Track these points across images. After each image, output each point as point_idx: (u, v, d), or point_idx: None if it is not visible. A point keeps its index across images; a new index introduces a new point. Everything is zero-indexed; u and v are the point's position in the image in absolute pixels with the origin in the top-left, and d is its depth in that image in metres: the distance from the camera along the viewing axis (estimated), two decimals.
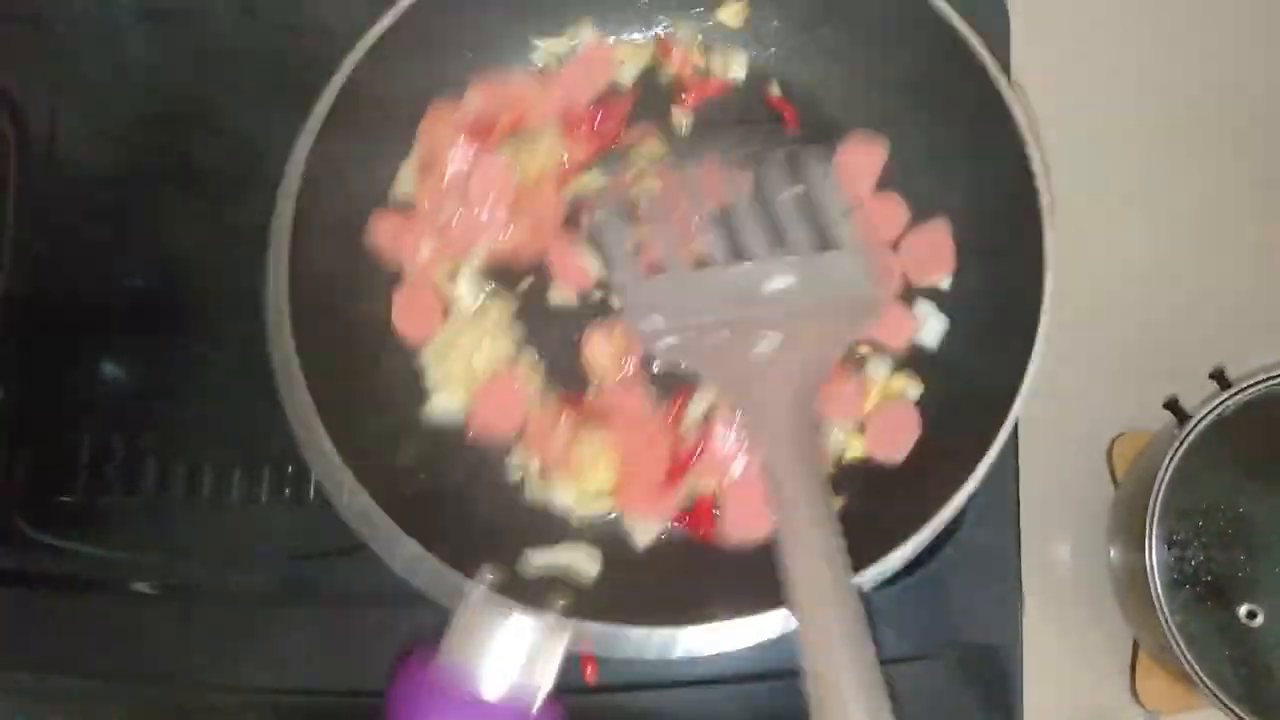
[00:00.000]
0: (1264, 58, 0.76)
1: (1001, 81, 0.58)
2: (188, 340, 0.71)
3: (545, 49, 0.69)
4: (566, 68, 0.68)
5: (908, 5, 0.59)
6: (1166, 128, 0.76)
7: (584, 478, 0.62)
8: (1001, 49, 0.69)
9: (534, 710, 0.51)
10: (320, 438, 0.55)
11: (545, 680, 0.51)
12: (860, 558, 0.51)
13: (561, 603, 0.53)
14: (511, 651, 0.51)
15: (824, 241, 0.54)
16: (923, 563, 0.64)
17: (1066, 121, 0.73)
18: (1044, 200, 0.57)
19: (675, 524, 0.61)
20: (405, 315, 0.65)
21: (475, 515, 0.63)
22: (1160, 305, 0.74)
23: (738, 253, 0.53)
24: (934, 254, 0.62)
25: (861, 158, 0.62)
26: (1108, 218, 0.74)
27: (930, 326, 0.63)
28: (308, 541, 0.66)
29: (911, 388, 0.63)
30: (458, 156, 0.65)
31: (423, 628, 0.64)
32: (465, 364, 0.64)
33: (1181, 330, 0.73)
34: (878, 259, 0.54)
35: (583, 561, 0.61)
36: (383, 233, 0.65)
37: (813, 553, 0.43)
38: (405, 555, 0.54)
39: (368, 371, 0.64)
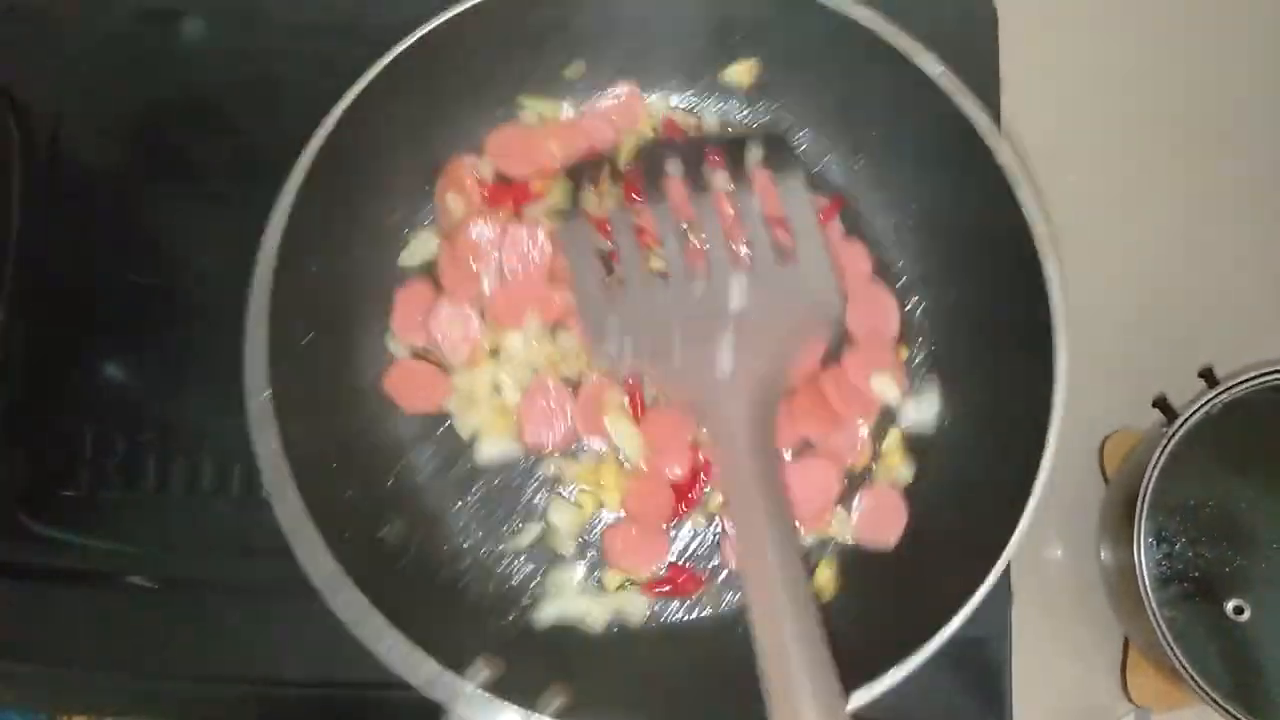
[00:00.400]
0: (1248, 65, 0.77)
1: (993, 138, 0.58)
2: (187, 337, 0.72)
3: (530, 108, 0.68)
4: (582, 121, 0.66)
5: (899, 68, 0.59)
6: (1155, 134, 0.77)
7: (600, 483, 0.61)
8: (990, 67, 0.70)
9: None
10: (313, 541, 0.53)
11: None
12: (857, 669, 0.50)
13: (558, 701, 0.51)
14: None
15: (783, 252, 0.54)
16: None
17: (1057, 129, 0.75)
18: (1059, 325, 0.55)
19: (659, 592, 0.61)
20: (403, 390, 0.63)
21: (465, 596, 0.61)
22: (1151, 307, 0.74)
23: (696, 264, 0.52)
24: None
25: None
26: (1099, 222, 0.75)
27: (924, 409, 0.64)
28: None
29: (905, 470, 0.63)
30: (482, 228, 0.62)
31: None
32: (495, 404, 0.63)
33: (1171, 331, 0.74)
34: (837, 270, 0.54)
35: (593, 614, 0.61)
36: (407, 307, 0.63)
37: (765, 549, 0.44)
38: (396, 650, 0.52)
39: (354, 447, 0.62)
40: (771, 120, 0.68)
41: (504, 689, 0.51)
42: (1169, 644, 0.61)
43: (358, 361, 0.65)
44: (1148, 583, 0.62)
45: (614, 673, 0.57)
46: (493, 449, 0.64)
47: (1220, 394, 0.63)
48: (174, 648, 0.67)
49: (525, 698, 0.50)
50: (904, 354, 0.64)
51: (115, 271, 0.73)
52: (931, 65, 0.57)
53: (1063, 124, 0.75)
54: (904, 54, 0.57)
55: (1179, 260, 0.75)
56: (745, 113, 0.68)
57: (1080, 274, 0.72)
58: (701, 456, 0.58)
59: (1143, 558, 0.62)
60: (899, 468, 0.63)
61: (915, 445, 0.64)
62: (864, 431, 0.62)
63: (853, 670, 0.48)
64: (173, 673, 0.67)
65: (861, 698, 0.50)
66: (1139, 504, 0.62)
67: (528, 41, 0.65)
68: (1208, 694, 0.59)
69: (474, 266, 0.62)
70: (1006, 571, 0.65)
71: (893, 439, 0.63)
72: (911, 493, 0.63)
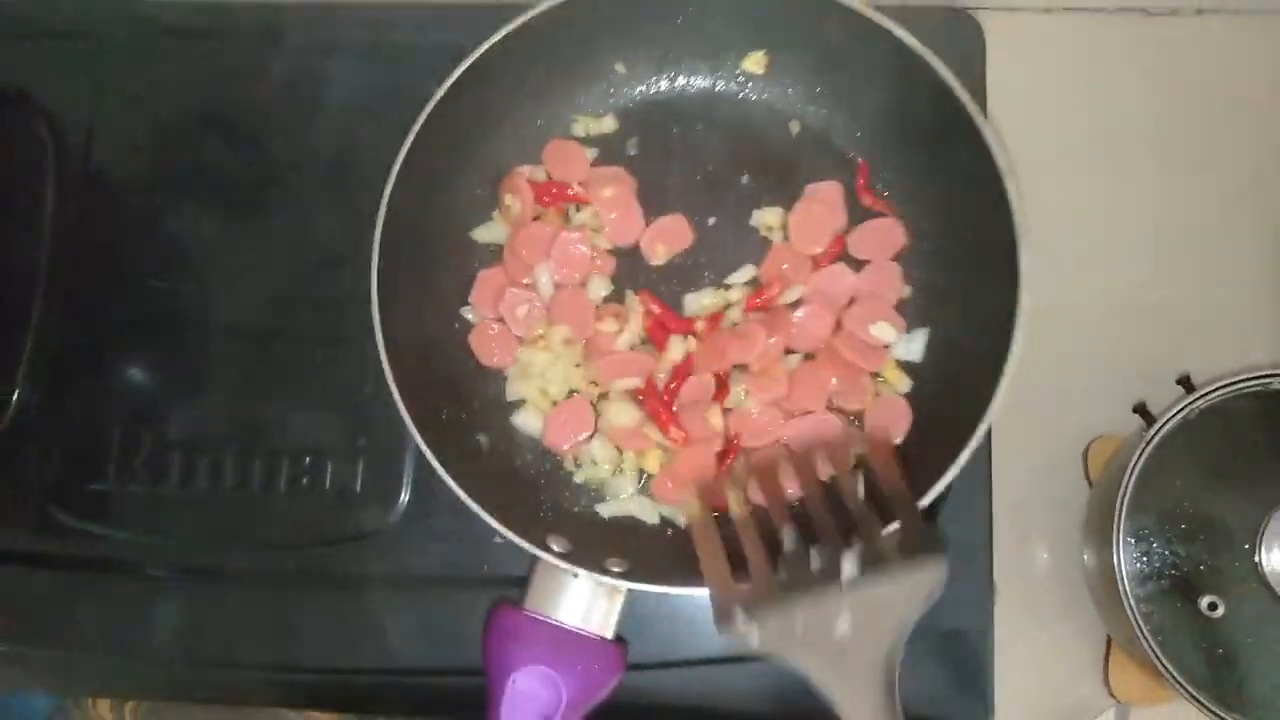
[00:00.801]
0: (1227, 79, 0.80)
1: (979, 117, 0.64)
2: (208, 338, 0.75)
3: (581, 123, 0.75)
4: None
5: (897, 53, 0.65)
6: (1136, 149, 0.79)
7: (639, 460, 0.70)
8: (979, 81, 0.74)
9: (602, 642, 0.63)
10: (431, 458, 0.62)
11: (607, 628, 0.63)
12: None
13: (617, 569, 0.62)
14: (578, 603, 0.63)
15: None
16: None
17: (1040, 140, 0.77)
18: (1020, 230, 0.62)
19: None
20: (482, 347, 0.72)
21: (540, 489, 0.70)
22: (1132, 317, 0.77)
23: (810, 542, 0.58)
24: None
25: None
26: (1084, 235, 0.78)
27: (913, 345, 0.70)
28: (323, 529, 0.71)
29: (902, 383, 0.70)
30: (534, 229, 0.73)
31: (433, 610, 0.69)
32: (541, 388, 0.71)
33: (1152, 341, 0.76)
34: (935, 538, 0.62)
35: (646, 511, 0.69)
36: (483, 287, 0.73)
37: None
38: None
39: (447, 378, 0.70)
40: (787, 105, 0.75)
41: (575, 559, 0.61)
42: (1147, 639, 0.63)
43: (444, 314, 0.73)
44: (1126, 581, 0.64)
45: (665, 553, 0.67)
46: (528, 422, 0.71)
47: (1197, 400, 0.66)
48: (193, 635, 0.71)
49: (592, 564, 0.61)
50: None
51: (141, 277, 0.77)
52: (919, 47, 0.65)
53: (1047, 138, 0.78)
54: (898, 38, 0.65)
55: (1158, 272, 0.78)
56: (763, 93, 0.75)
57: (1064, 285, 0.75)
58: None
59: (1122, 556, 0.65)
60: (899, 381, 0.70)
61: (907, 366, 0.71)
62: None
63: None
64: (192, 659, 0.70)
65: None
66: (1118, 505, 0.65)
67: (574, 46, 0.72)
68: (1185, 688, 0.62)
69: (530, 261, 0.72)
70: (990, 570, 0.69)
71: (889, 363, 0.70)
72: (910, 397, 0.70)
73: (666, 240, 0.73)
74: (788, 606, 0.53)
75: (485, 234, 0.74)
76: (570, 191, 0.73)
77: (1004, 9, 0.82)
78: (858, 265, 0.72)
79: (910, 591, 0.54)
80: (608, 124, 0.75)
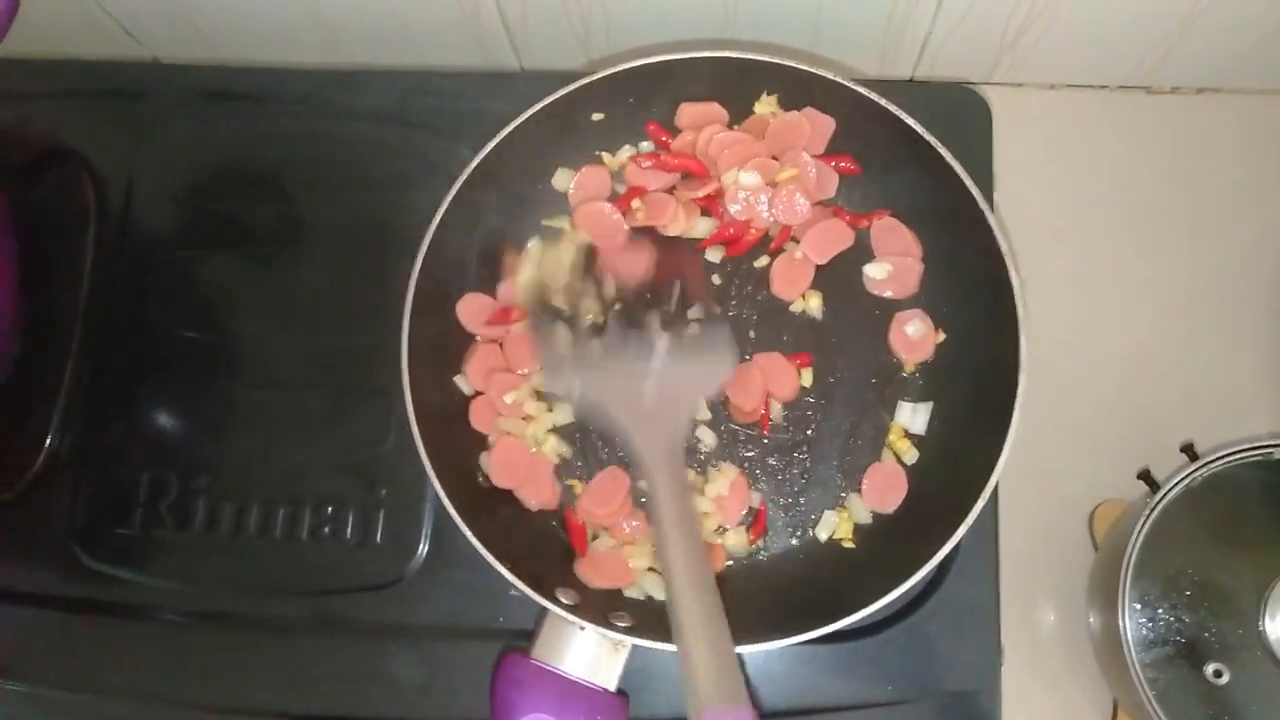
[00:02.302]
0: (1228, 156, 0.82)
1: (984, 203, 0.67)
2: (236, 388, 0.77)
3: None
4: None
5: (903, 136, 0.69)
6: (1139, 223, 0.81)
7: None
8: (985, 157, 0.77)
9: (605, 694, 0.64)
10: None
11: (611, 680, 0.65)
12: (863, 596, 0.62)
13: (623, 624, 0.64)
14: (583, 655, 0.65)
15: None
16: (907, 614, 0.69)
17: (1045, 212, 0.80)
18: (1020, 311, 0.66)
19: None
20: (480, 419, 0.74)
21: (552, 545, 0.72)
22: (1139, 384, 0.78)
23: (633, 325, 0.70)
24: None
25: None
26: (1090, 306, 0.79)
27: (918, 418, 0.73)
28: (341, 578, 0.72)
29: (909, 455, 0.73)
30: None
31: (449, 660, 0.70)
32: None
33: (1157, 409, 0.78)
34: (729, 340, 0.71)
35: (650, 586, 0.71)
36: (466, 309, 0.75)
37: (676, 525, 0.58)
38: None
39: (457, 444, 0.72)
40: None
41: (582, 612, 0.63)
42: (1152, 705, 0.64)
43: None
44: (1132, 646, 0.65)
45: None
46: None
47: (1200, 468, 0.67)
48: (212, 681, 0.72)
49: (598, 618, 0.64)
50: (910, 370, 0.75)
51: (172, 327, 0.79)
52: (925, 133, 0.69)
53: (1052, 211, 0.80)
54: (908, 124, 0.69)
55: (1160, 342, 0.79)
56: None
57: (1071, 353, 0.77)
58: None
59: (1127, 622, 0.66)
60: (907, 452, 0.73)
61: (913, 438, 0.74)
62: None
63: (864, 594, 0.62)
64: (211, 704, 0.71)
65: (867, 610, 0.62)
66: (1124, 570, 0.66)
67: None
68: None
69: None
70: (998, 631, 0.70)
71: (896, 430, 0.73)
72: (911, 470, 0.72)
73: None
74: (606, 364, 0.66)
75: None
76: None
77: (1009, 84, 0.85)
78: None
79: (704, 376, 0.67)
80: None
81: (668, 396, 0.65)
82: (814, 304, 0.75)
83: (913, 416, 0.73)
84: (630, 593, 0.69)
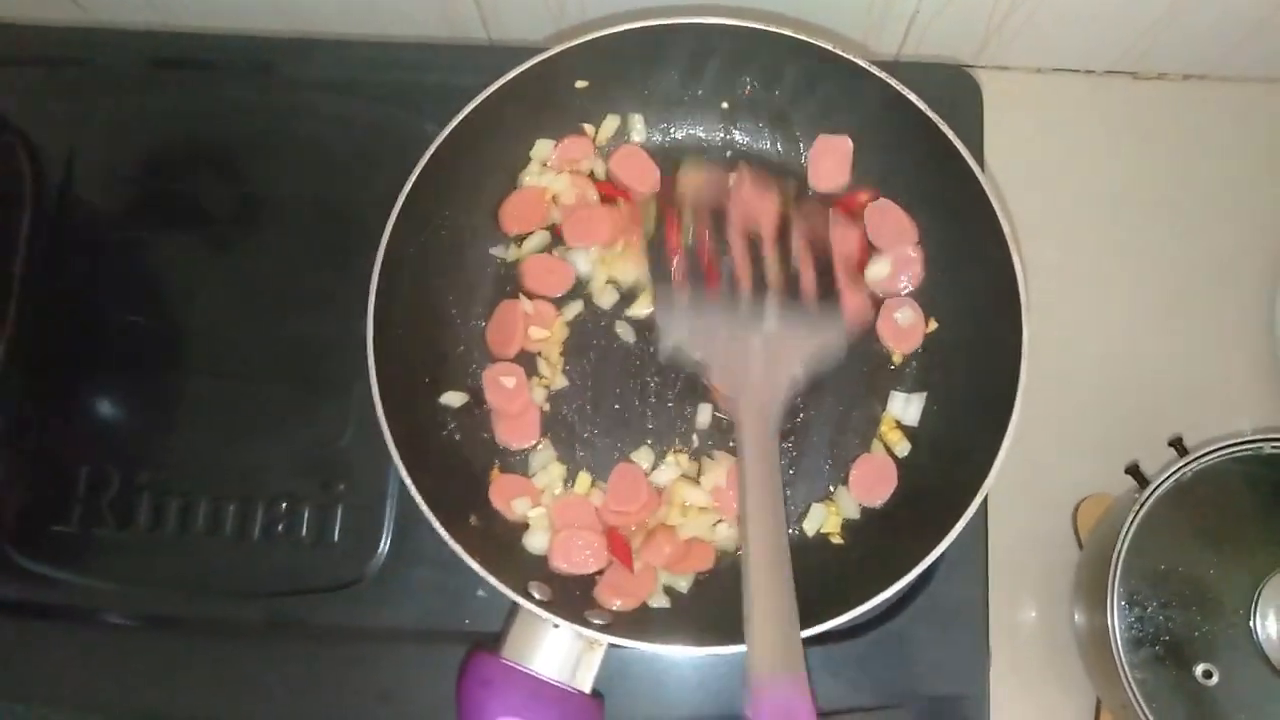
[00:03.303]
0: (1215, 143, 0.81)
1: (985, 181, 0.65)
2: (184, 377, 0.73)
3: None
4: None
5: (905, 119, 0.67)
6: (1128, 213, 0.80)
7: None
8: (977, 139, 0.75)
9: (579, 695, 0.62)
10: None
11: (585, 682, 0.62)
12: (852, 596, 0.60)
13: (597, 621, 0.62)
14: (556, 654, 0.62)
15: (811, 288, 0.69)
16: (893, 615, 0.67)
17: (1031, 199, 0.78)
18: (1023, 297, 0.64)
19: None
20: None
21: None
22: (1125, 377, 0.77)
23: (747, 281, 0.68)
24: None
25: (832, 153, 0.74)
26: (1076, 295, 0.78)
27: (910, 409, 0.71)
28: (297, 578, 0.68)
29: (901, 446, 0.70)
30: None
31: (410, 665, 0.66)
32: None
33: (1144, 401, 0.76)
34: (844, 320, 0.69)
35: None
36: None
37: (762, 486, 0.59)
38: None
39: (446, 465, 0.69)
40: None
41: (555, 609, 0.61)
42: (1141, 707, 0.62)
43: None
44: (1120, 646, 0.64)
45: (646, 610, 0.67)
46: (533, 542, 0.69)
47: (1190, 463, 0.65)
48: (159, 688, 0.68)
49: (573, 615, 0.61)
50: (899, 361, 0.73)
51: (116, 311, 0.75)
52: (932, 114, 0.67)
53: (1038, 197, 0.79)
54: (910, 101, 0.67)
55: (1151, 334, 0.78)
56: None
57: (1057, 344, 0.75)
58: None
59: (1116, 621, 0.64)
60: (899, 444, 0.71)
61: (905, 429, 0.72)
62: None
63: (851, 594, 0.61)
64: (156, 713, 0.67)
65: (855, 612, 0.61)
66: (1112, 568, 0.64)
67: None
68: None
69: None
70: (986, 633, 0.68)
71: (888, 421, 0.71)
72: (902, 464, 0.70)
73: None
74: (715, 313, 0.66)
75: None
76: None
77: (996, 67, 0.83)
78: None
79: (813, 345, 0.66)
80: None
81: (774, 362, 0.64)
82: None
83: (905, 407, 0.71)
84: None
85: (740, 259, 0.68)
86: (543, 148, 0.74)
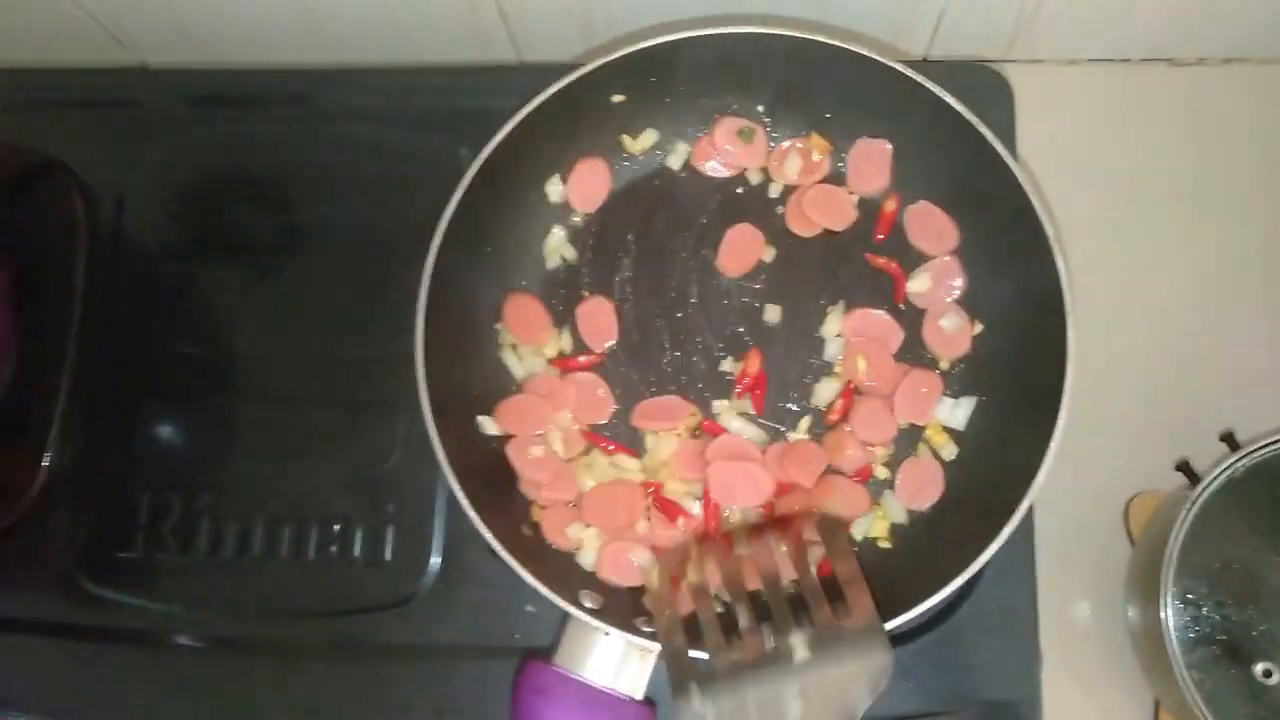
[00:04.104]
0: (1258, 128, 0.79)
1: (1026, 183, 0.65)
2: (237, 404, 0.75)
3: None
4: None
5: (941, 121, 0.67)
6: (1173, 201, 0.78)
7: None
8: (1009, 137, 0.74)
9: (630, 702, 0.62)
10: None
11: (637, 689, 0.62)
12: (902, 601, 0.60)
13: (647, 629, 0.62)
14: (608, 662, 0.62)
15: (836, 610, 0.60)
16: (942, 620, 0.67)
17: (1070, 192, 0.77)
18: (1068, 300, 0.63)
19: None
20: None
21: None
22: (1173, 370, 0.75)
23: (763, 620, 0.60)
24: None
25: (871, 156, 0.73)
26: (1121, 289, 0.76)
27: (959, 412, 0.70)
28: (352, 598, 0.70)
29: (947, 449, 0.70)
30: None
31: (465, 680, 0.68)
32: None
33: (1194, 394, 0.75)
34: (882, 625, 0.60)
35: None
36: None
37: None
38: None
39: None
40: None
41: (606, 617, 0.61)
42: (1200, 707, 0.61)
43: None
44: (1176, 645, 0.63)
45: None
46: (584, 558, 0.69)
47: (1242, 458, 0.64)
48: (218, 707, 0.70)
49: (623, 623, 0.61)
50: (946, 366, 0.72)
51: (170, 343, 0.77)
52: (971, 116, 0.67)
53: (1077, 191, 0.77)
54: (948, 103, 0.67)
55: (1199, 326, 0.76)
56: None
57: (1103, 339, 0.74)
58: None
59: (1170, 620, 0.63)
60: (945, 446, 0.70)
61: (951, 432, 0.71)
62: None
63: (900, 599, 0.60)
64: None
65: (905, 618, 0.60)
66: (1165, 567, 0.63)
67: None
68: None
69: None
70: (1037, 636, 0.67)
71: (934, 425, 0.70)
72: (948, 467, 0.70)
73: None
74: (740, 686, 0.57)
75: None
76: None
77: (1028, 61, 0.82)
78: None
79: (858, 676, 0.57)
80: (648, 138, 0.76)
81: (818, 709, 0.57)
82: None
83: (953, 411, 0.70)
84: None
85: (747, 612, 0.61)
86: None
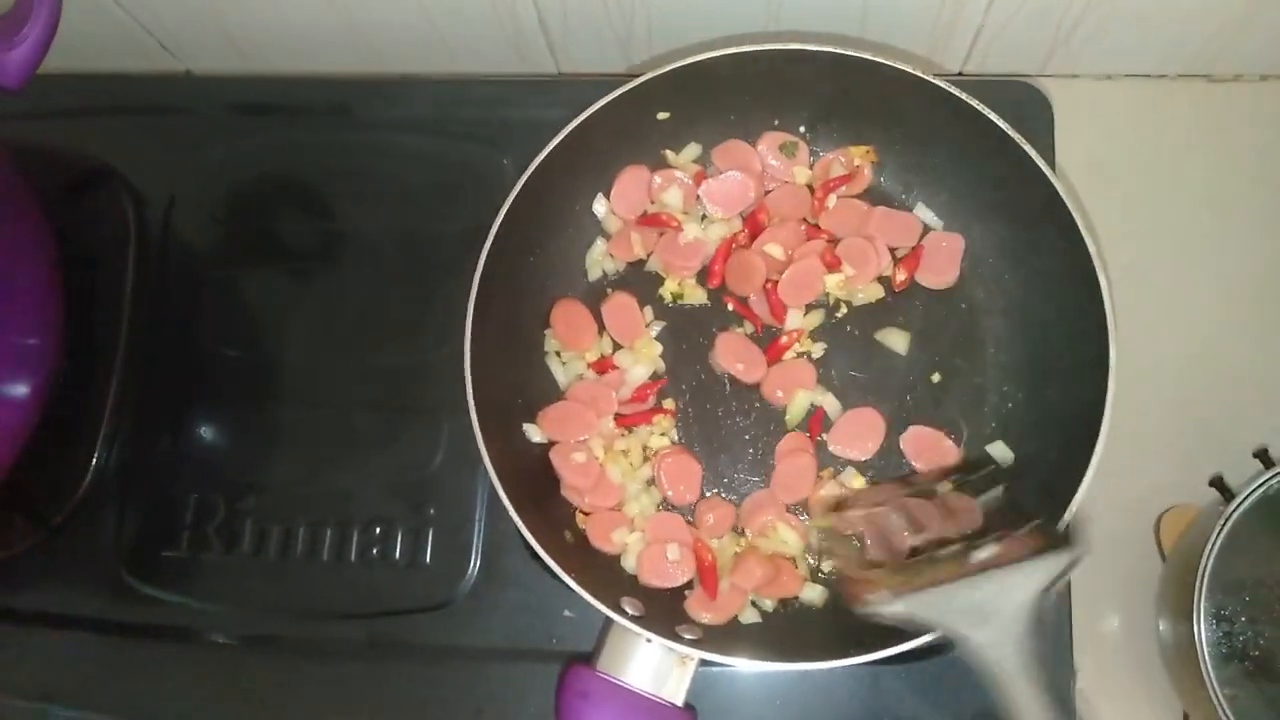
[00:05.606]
0: None
1: (1070, 201, 0.65)
2: (281, 407, 0.76)
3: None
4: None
5: (981, 137, 0.68)
6: (1208, 217, 0.79)
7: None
8: (1048, 153, 0.74)
9: (672, 708, 0.63)
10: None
11: (677, 695, 0.63)
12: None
13: (688, 636, 0.63)
14: (649, 668, 0.63)
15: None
16: None
17: (1107, 206, 0.77)
18: (1110, 324, 0.64)
19: None
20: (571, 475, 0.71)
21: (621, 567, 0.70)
22: (1208, 386, 0.75)
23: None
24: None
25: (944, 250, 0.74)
26: (1157, 304, 0.77)
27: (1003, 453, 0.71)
28: (392, 600, 0.71)
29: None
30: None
31: (502, 682, 0.69)
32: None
33: (1228, 409, 0.75)
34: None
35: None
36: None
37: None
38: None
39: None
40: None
41: (647, 624, 0.62)
42: None
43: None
44: (1208, 661, 0.63)
45: (735, 626, 0.68)
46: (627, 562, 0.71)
47: (1276, 474, 0.64)
48: (259, 705, 0.71)
49: (664, 630, 0.62)
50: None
51: (217, 347, 0.78)
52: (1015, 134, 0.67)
53: (1114, 205, 0.78)
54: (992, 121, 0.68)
55: (1234, 342, 0.76)
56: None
57: (1139, 353, 0.74)
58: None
59: (1203, 636, 0.63)
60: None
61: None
62: None
63: None
64: None
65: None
66: (1198, 583, 0.63)
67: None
68: None
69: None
70: (1070, 649, 0.68)
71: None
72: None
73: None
74: (930, 590, 0.58)
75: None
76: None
77: (1065, 76, 0.82)
78: None
79: (1035, 573, 0.58)
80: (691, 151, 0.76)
81: (995, 597, 0.58)
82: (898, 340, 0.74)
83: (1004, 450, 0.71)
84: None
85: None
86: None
